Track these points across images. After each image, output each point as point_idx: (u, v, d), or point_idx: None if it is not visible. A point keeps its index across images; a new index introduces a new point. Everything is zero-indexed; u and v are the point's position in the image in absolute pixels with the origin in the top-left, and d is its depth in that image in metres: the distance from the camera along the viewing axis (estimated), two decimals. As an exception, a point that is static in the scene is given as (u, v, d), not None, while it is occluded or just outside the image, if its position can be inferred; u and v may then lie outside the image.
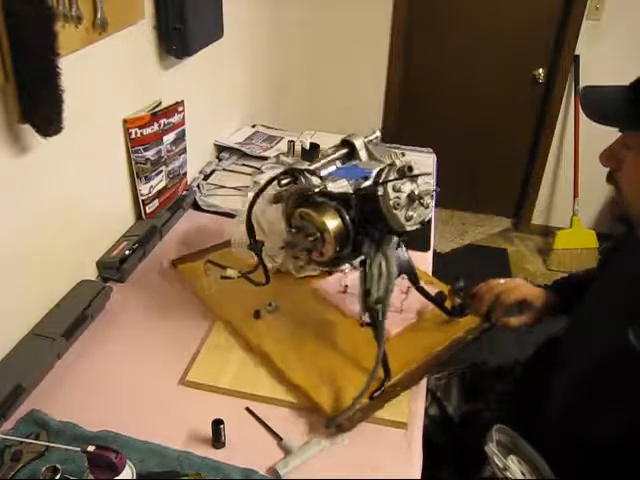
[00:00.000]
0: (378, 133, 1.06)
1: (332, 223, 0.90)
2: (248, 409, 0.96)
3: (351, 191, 0.93)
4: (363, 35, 2.82)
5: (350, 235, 0.91)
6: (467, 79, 2.93)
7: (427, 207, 0.87)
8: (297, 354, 1.03)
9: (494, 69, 2.88)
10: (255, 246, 1.02)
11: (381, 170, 0.90)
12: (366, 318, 0.94)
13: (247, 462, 0.86)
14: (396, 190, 0.86)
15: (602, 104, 0.88)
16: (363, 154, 1.05)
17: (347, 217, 0.90)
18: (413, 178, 0.87)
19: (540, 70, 2.82)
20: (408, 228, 0.88)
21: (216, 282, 1.17)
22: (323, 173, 0.99)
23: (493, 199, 3.27)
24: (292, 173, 0.94)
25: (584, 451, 0.86)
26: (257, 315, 1.12)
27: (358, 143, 1.04)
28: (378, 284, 0.91)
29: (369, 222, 0.90)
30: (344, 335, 1.09)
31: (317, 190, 0.92)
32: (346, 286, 1.20)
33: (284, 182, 0.94)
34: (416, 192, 0.87)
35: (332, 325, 1.12)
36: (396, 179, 0.86)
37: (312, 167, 0.97)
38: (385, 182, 0.86)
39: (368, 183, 0.92)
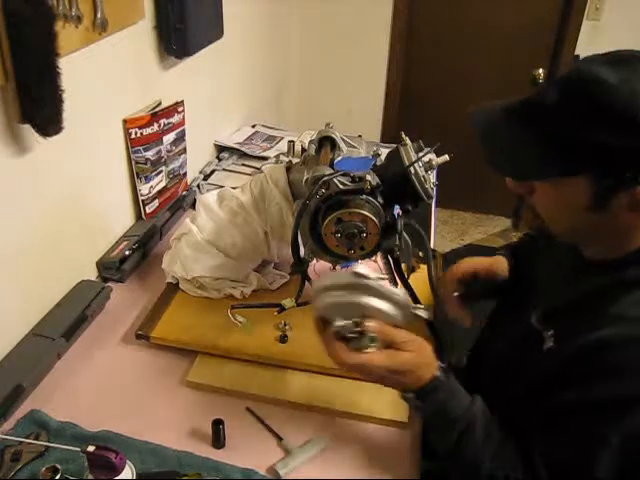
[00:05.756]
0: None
1: (371, 214, 0.92)
2: (248, 409, 0.96)
3: (378, 180, 0.95)
4: (363, 35, 2.82)
5: (386, 219, 0.96)
6: (467, 79, 2.93)
7: (434, 168, 0.95)
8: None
9: (494, 69, 2.88)
10: (300, 267, 1.00)
11: (393, 152, 0.95)
12: None
13: (247, 462, 0.86)
14: (421, 165, 0.92)
15: (507, 147, 0.77)
16: (343, 145, 1.10)
17: (379, 204, 0.94)
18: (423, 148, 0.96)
19: (540, 70, 2.82)
20: (431, 193, 0.94)
21: (248, 323, 1.05)
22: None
23: (493, 199, 3.26)
24: (327, 183, 0.94)
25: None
26: (283, 339, 1.05)
27: (337, 136, 1.09)
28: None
29: (396, 202, 0.96)
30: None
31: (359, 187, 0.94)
32: None
33: (323, 192, 0.94)
34: (433, 161, 0.93)
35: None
36: (419, 156, 0.92)
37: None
38: (416, 161, 0.91)
39: (360, 171, 0.95)
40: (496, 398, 0.84)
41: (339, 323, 0.78)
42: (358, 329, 0.78)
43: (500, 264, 1.07)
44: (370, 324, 0.78)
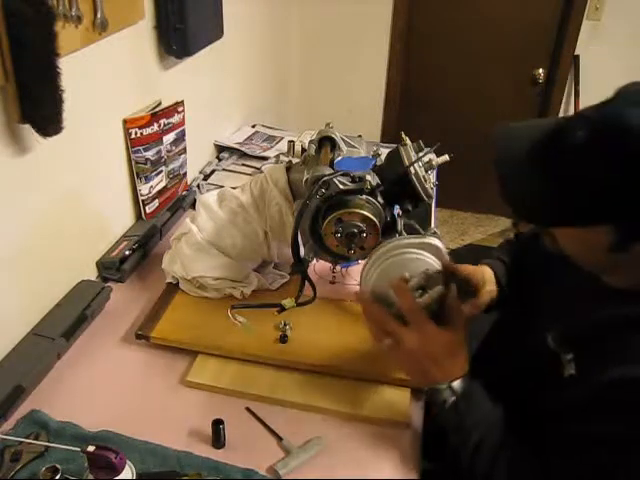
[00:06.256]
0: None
1: (371, 214, 0.93)
2: (248, 409, 0.96)
3: (378, 180, 0.95)
4: (363, 35, 2.82)
5: (386, 219, 0.96)
6: (467, 79, 2.93)
7: (434, 168, 0.96)
8: (354, 350, 1.02)
9: (494, 69, 2.88)
10: (300, 267, 1.00)
11: (393, 152, 0.95)
12: None
13: (247, 462, 0.86)
14: (422, 165, 0.93)
15: (517, 189, 0.73)
16: (343, 145, 1.10)
17: (379, 204, 0.94)
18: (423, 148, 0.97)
19: (540, 70, 2.82)
20: (431, 193, 0.94)
21: (249, 323, 1.05)
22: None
23: (493, 199, 3.24)
24: (327, 182, 0.94)
25: None
26: (283, 339, 1.05)
27: (337, 136, 1.09)
28: None
29: (396, 202, 0.96)
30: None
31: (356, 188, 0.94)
32: (334, 276, 1.20)
33: (323, 192, 0.93)
34: (433, 161, 0.93)
35: (351, 314, 1.12)
36: (419, 156, 0.92)
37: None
38: (416, 161, 0.91)
39: (361, 171, 0.95)
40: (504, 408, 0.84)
41: (414, 281, 0.82)
42: (424, 285, 0.82)
43: (478, 275, 1.02)
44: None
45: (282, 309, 1.02)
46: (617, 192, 0.65)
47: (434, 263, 0.86)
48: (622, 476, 0.69)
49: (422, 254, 0.85)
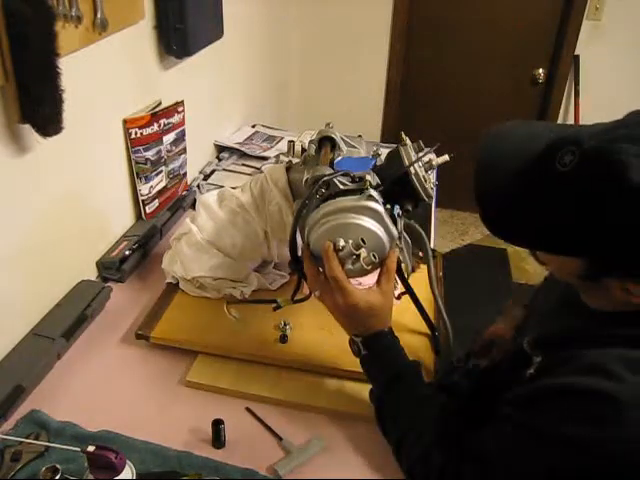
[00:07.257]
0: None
1: None
2: (248, 409, 0.96)
3: (378, 180, 0.95)
4: (363, 35, 2.83)
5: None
6: (467, 79, 2.93)
7: (434, 168, 0.95)
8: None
9: (494, 69, 2.88)
10: (297, 265, 0.99)
11: (393, 152, 0.95)
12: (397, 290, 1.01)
13: (247, 462, 0.86)
14: (422, 165, 0.93)
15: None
16: (343, 145, 1.10)
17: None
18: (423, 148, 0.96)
19: (540, 70, 2.82)
20: (430, 193, 0.94)
21: (243, 320, 1.08)
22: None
23: (493, 199, 3.27)
24: (327, 182, 0.93)
25: None
26: (283, 339, 1.05)
27: (337, 136, 1.09)
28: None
29: (396, 202, 0.96)
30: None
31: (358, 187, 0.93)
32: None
33: (323, 192, 0.93)
34: (433, 161, 0.93)
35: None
36: (419, 156, 0.92)
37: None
38: (416, 161, 0.91)
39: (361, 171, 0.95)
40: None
41: (342, 243, 0.84)
42: (355, 252, 0.85)
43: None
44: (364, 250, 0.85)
45: (278, 306, 1.03)
46: (591, 227, 0.64)
47: (373, 227, 0.87)
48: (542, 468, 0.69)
49: (361, 219, 0.86)
